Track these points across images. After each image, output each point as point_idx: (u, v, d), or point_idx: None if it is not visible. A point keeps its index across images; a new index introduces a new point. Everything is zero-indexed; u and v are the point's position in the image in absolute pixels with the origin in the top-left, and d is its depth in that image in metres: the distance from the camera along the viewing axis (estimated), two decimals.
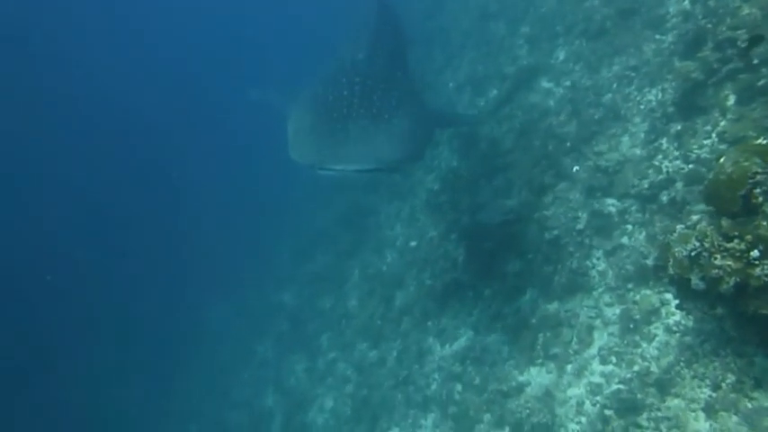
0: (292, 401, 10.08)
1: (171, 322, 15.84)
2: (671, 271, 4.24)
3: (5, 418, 14.29)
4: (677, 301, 4.55)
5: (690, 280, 4.01)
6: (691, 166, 5.64)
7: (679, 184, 5.65)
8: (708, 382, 4.50)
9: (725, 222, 3.82)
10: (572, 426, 5.54)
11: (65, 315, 18.08)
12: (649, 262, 5.36)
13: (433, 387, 7.46)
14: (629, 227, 6.12)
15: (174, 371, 14.22)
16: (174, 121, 25.55)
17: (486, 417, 6.45)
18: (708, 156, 5.48)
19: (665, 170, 5.89)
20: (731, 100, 5.48)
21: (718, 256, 3.75)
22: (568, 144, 7.40)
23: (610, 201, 6.46)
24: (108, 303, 18.32)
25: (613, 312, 5.83)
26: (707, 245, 3.83)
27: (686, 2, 6.91)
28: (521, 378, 6.35)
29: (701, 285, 3.89)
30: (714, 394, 4.41)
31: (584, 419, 5.46)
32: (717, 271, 3.74)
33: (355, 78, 4.54)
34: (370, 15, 6.01)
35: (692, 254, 3.90)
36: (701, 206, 4.77)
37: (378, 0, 6.19)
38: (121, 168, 24.22)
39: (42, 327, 17.82)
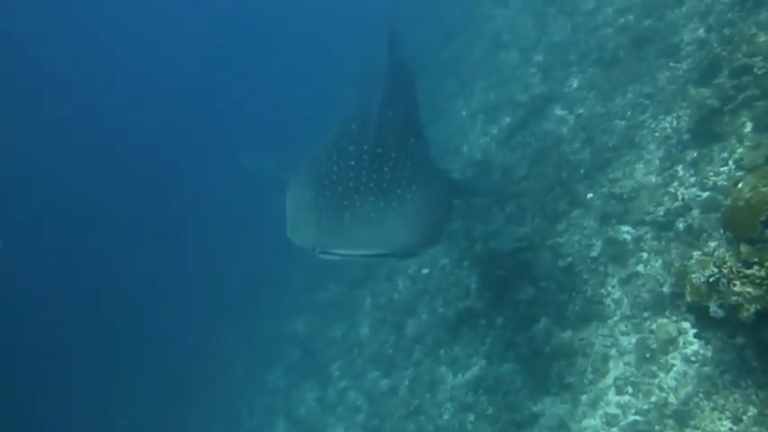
0: (303, 431, 9.93)
1: (181, 348, 15.82)
2: (688, 298, 4.15)
3: None
4: (695, 330, 4.46)
5: (708, 308, 3.92)
6: (707, 193, 5.56)
7: (695, 212, 5.57)
8: (728, 414, 4.36)
9: (744, 248, 3.74)
10: None
11: (73, 335, 18.15)
12: (666, 290, 5.26)
13: (446, 417, 7.31)
14: (645, 254, 6.03)
15: (184, 397, 14.12)
16: (183, 139, 25.81)
17: None
18: (725, 183, 5.41)
19: (680, 197, 5.82)
20: (748, 127, 5.43)
21: (738, 283, 3.67)
22: (582, 171, 7.37)
23: (625, 228, 6.39)
24: (118, 325, 18.36)
25: (629, 341, 5.71)
26: (725, 271, 3.75)
27: (701, 30, 6.92)
28: (534, 408, 6.20)
29: (720, 313, 3.80)
30: (735, 427, 4.27)
31: None
32: (736, 298, 3.66)
33: (363, 146, 3.89)
34: (380, 67, 5.32)
35: (711, 280, 3.82)
36: (719, 233, 4.69)
37: (389, 51, 5.46)
38: (129, 189, 24.47)
39: (49, 347, 17.90)
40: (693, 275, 4.02)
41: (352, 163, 3.78)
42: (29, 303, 19.58)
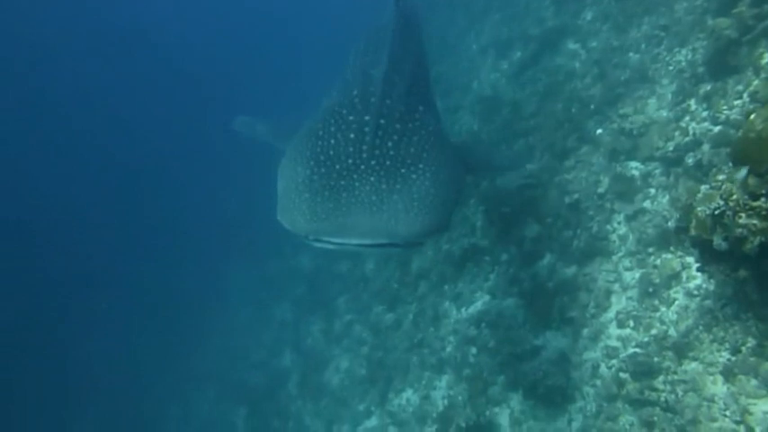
0: (309, 362, 10.20)
1: (189, 287, 16.13)
2: (693, 232, 4.12)
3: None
4: (698, 264, 4.44)
5: (712, 241, 3.89)
6: (719, 127, 5.44)
7: (706, 146, 5.47)
8: (727, 345, 4.41)
9: (752, 180, 3.67)
10: (586, 389, 5.50)
11: (85, 276, 18.65)
12: (671, 224, 5.23)
13: (448, 350, 7.45)
14: (652, 190, 5.97)
15: (192, 333, 14.48)
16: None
17: (500, 379, 6.44)
18: (737, 117, 5.27)
19: (691, 132, 5.70)
20: (766, 58, 5.24)
21: (743, 215, 3.62)
22: (593, 107, 7.22)
23: (633, 164, 6.30)
24: (127, 265, 18.76)
25: (633, 277, 5.73)
26: (732, 203, 3.70)
27: None
28: (536, 342, 6.30)
29: (724, 246, 3.77)
30: (733, 358, 4.32)
31: (599, 382, 5.41)
32: (741, 230, 3.61)
33: (364, 116, 3.39)
34: (387, 22, 4.64)
35: (716, 213, 3.77)
36: (728, 166, 4.61)
37: (396, 2, 4.74)
38: (139, 144, 24.57)
39: (61, 286, 18.44)
40: (699, 209, 3.97)
41: (352, 136, 3.29)
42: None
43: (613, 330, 5.62)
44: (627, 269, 5.85)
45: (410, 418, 7.37)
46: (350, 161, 3.17)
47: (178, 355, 14.21)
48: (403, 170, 3.17)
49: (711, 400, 4.35)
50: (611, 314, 5.73)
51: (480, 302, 7.49)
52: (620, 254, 6.01)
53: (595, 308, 5.90)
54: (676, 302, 5.11)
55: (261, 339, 12.29)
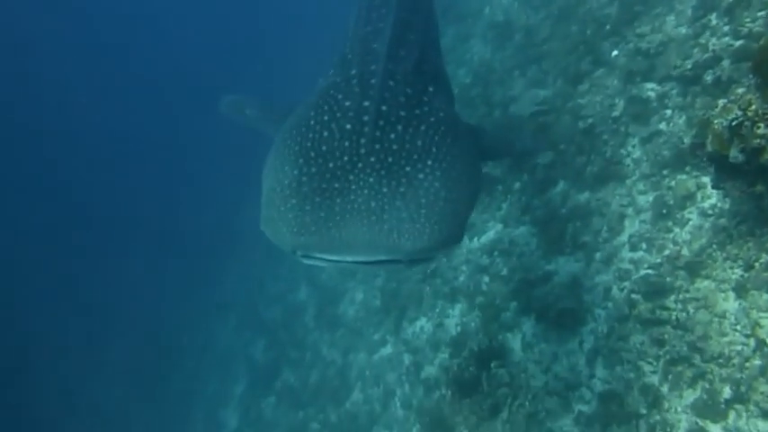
0: (324, 295, 10.38)
1: (206, 227, 16.37)
2: (709, 147, 4.02)
3: None
4: (714, 182, 4.35)
5: (728, 156, 3.80)
6: (741, 41, 5.23)
7: (726, 62, 5.27)
8: (740, 262, 4.37)
9: None
10: (598, 311, 5.52)
11: (101, 222, 19.12)
12: (687, 141, 5.11)
13: (461, 279, 7.51)
14: (669, 111, 5.81)
15: (213, 267, 14.80)
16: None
17: (513, 305, 6.49)
18: (760, 29, 5.06)
19: (711, 48, 5.49)
20: None
21: (762, 125, 3.51)
22: (608, 27, 6.98)
23: (649, 85, 6.12)
24: (147, 206, 19.09)
25: (646, 200, 5.66)
26: (750, 114, 3.59)
27: None
28: (548, 267, 6.31)
29: (741, 158, 3.68)
30: (746, 274, 4.29)
31: (610, 305, 5.43)
32: (759, 141, 3.52)
33: (363, 102, 2.82)
34: None
35: (733, 124, 3.66)
36: (748, 79, 4.45)
37: None
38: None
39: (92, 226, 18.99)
40: (716, 122, 3.85)
41: (348, 127, 2.72)
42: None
43: (626, 253, 5.59)
44: (641, 192, 5.77)
45: (424, 345, 7.51)
46: (345, 158, 2.63)
47: (200, 286, 14.62)
48: (408, 168, 2.62)
49: (722, 316, 4.36)
50: (623, 238, 5.69)
51: (492, 232, 7.48)
52: (634, 177, 5.92)
53: (608, 232, 5.86)
54: (690, 223, 5.05)
55: (277, 273, 12.50)
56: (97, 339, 15.06)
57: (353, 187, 2.55)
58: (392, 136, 2.67)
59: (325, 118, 2.81)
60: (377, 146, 2.62)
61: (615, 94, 6.48)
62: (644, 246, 5.41)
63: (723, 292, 4.41)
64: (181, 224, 17.28)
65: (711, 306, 4.43)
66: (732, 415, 4.06)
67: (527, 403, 5.53)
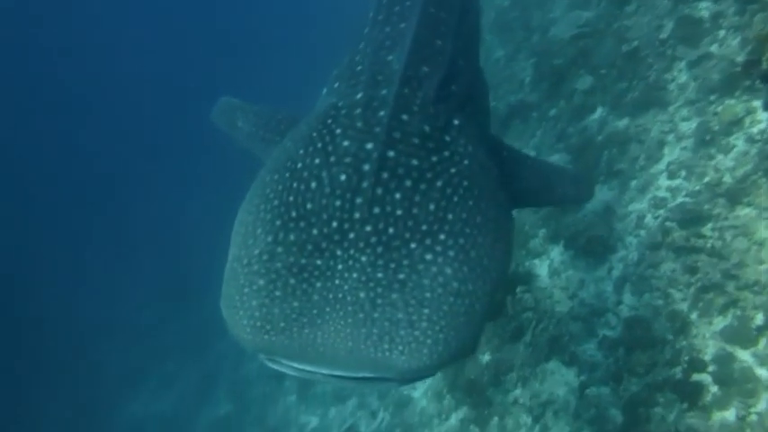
0: None
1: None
2: (765, 65, 3.78)
3: None
4: (766, 102, 4.12)
5: None
6: None
7: None
8: None
9: None
10: (629, 239, 5.41)
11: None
12: (740, 60, 4.82)
13: None
14: (722, 32, 5.47)
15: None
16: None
17: (542, 232, 6.40)
18: None
19: None
20: None
21: None
22: None
23: (703, 4, 5.75)
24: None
25: (689, 126, 5.41)
26: None
27: None
28: None
29: None
30: None
31: (643, 233, 5.30)
32: None
33: (366, 144, 2.13)
34: None
35: None
36: None
37: None
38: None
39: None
40: None
41: (343, 178, 2.06)
42: None
43: (663, 181, 5.40)
44: (684, 119, 5.51)
45: None
46: (334, 224, 1.99)
47: (218, 208, 15.16)
48: (413, 245, 1.96)
49: (762, 243, 4.21)
50: (662, 165, 5.48)
51: None
52: (677, 103, 5.65)
53: (646, 159, 5.66)
54: (735, 149, 4.82)
55: None
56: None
57: (340, 267, 1.94)
58: (397, 196, 2.01)
59: (316, 162, 2.16)
60: (376, 209, 1.99)
61: (665, 14, 6.12)
62: (683, 173, 5.21)
63: (766, 219, 4.25)
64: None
65: (751, 234, 4.28)
66: (763, 341, 3.99)
67: (551, 327, 5.53)
